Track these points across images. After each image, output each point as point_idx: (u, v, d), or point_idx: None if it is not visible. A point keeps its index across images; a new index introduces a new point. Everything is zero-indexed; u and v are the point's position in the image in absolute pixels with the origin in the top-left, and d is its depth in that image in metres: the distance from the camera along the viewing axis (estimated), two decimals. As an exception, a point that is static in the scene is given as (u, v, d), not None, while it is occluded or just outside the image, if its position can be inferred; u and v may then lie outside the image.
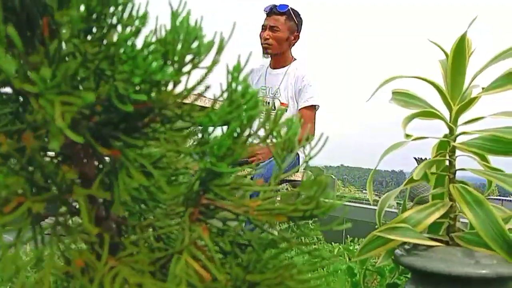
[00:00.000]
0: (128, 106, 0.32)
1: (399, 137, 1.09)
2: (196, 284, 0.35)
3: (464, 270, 0.87)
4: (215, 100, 0.38)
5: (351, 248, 1.64)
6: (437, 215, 0.97)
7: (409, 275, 1.11)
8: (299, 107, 3.12)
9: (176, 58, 0.37)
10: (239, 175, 0.40)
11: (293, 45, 3.18)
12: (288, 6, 3.06)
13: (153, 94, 0.37)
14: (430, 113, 0.98)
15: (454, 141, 1.00)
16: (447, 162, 1.02)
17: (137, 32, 0.33)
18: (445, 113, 1.04)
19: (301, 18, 3.14)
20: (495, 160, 1.08)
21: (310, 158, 0.50)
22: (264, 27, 3.10)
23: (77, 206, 0.41)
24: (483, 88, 1.00)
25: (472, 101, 0.99)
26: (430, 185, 1.02)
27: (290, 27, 3.07)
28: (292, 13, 3.06)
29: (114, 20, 0.32)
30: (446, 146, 1.03)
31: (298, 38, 3.14)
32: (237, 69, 0.38)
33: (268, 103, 3.26)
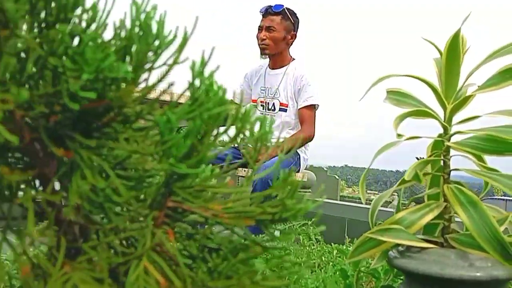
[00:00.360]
0: (75, 104, 0.30)
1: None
2: (155, 291, 0.33)
3: (458, 273, 0.85)
4: (178, 98, 0.36)
5: (344, 249, 1.62)
6: (431, 216, 0.95)
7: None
8: (299, 107, 3.10)
9: (135, 55, 0.35)
10: (208, 176, 0.38)
11: (291, 44, 3.17)
12: (283, 5, 3.06)
13: (111, 93, 0.35)
14: (423, 112, 0.95)
15: (449, 140, 0.98)
16: (441, 162, 1.00)
17: (87, 27, 0.31)
18: (440, 112, 1.02)
19: (297, 18, 3.13)
20: (494, 161, 1.06)
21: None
22: (260, 28, 3.10)
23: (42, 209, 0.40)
24: (478, 87, 0.98)
25: (466, 99, 0.96)
26: (424, 185, 1.00)
27: (286, 26, 3.06)
28: (287, 12, 3.06)
29: (62, 15, 0.31)
30: (440, 146, 1.00)
31: (295, 37, 3.13)
32: (201, 64, 0.36)
33: (267, 103, 3.24)
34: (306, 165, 3.56)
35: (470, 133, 0.94)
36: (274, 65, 3.22)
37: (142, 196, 0.43)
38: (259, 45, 3.10)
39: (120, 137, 0.36)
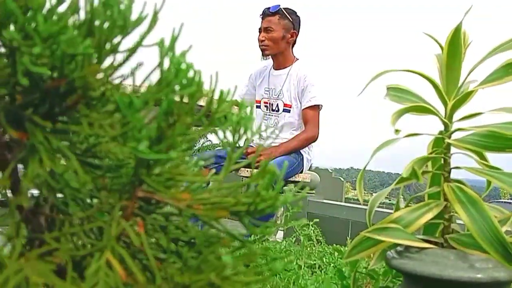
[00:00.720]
0: (24, 79, 0.28)
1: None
2: (117, 285, 0.31)
3: (457, 274, 0.82)
4: (143, 81, 0.34)
5: (344, 250, 1.58)
6: (430, 215, 0.92)
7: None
8: (302, 107, 3.08)
9: (98, 31, 0.33)
10: (178, 163, 0.36)
11: (293, 44, 3.15)
12: (279, 5, 3.05)
13: (74, 73, 0.33)
14: (422, 108, 0.92)
15: (449, 138, 0.95)
16: (442, 160, 0.96)
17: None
18: (441, 109, 0.99)
19: (297, 16, 3.12)
20: (497, 161, 1.03)
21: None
22: (259, 30, 3.11)
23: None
24: (481, 82, 0.95)
25: (468, 95, 0.93)
26: (422, 183, 0.97)
27: (285, 25, 3.06)
28: (284, 11, 3.05)
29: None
30: (441, 143, 0.97)
31: (296, 35, 3.11)
32: (172, 43, 0.34)
33: (271, 104, 3.22)
34: (310, 166, 3.53)
35: (471, 130, 0.91)
36: (277, 66, 3.21)
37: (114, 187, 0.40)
38: (259, 47, 3.10)
39: (83, 120, 0.33)
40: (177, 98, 0.35)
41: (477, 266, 0.83)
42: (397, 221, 0.91)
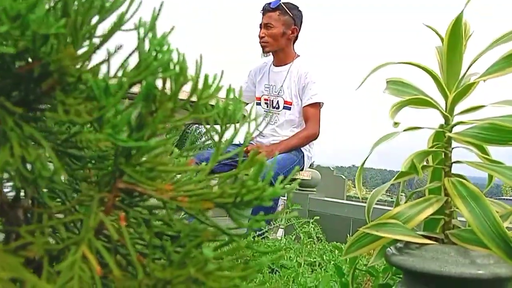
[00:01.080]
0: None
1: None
2: (93, 281, 0.29)
3: (458, 270, 0.80)
4: (124, 62, 0.32)
5: (342, 247, 1.56)
6: (430, 210, 0.90)
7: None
8: (303, 105, 3.05)
9: (73, 13, 0.31)
10: (160, 152, 0.34)
11: (294, 40, 3.12)
12: (279, 1, 3.02)
13: (49, 56, 0.31)
14: (422, 101, 0.90)
15: (450, 131, 0.93)
16: (443, 155, 0.94)
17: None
18: (442, 102, 0.97)
19: (298, 11, 3.08)
20: (497, 153, 1.00)
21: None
22: (260, 26, 3.08)
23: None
24: (482, 73, 0.93)
25: (469, 88, 0.91)
26: (424, 180, 0.95)
27: (285, 21, 3.02)
28: (285, 7, 3.01)
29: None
30: (441, 137, 0.95)
31: (297, 31, 3.08)
32: (152, 23, 0.32)
33: (272, 101, 3.20)
34: (312, 164, 3.51)
35: (472, 123, 0.89)
36: (278, 62, 3.18)
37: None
38: (259, 43, 3.07)
39: (59, 107, 0.32)
40: (159, 84, 0.34)
41: (478, 262, 0.81)
42: (397, 216, 0.89)
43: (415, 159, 0.80)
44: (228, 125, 0.38)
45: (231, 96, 0.37)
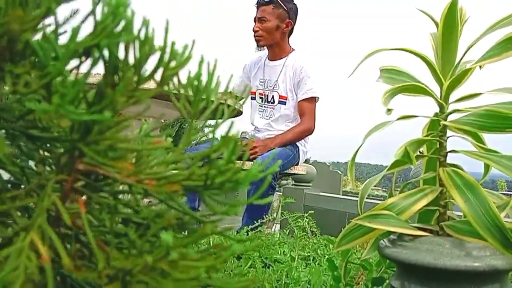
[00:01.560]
0: None
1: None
2: (40, 271, 0.26)
3: (453, 263, 0.77)
4: (74, 32, 0.28)
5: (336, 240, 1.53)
6: (425, 201, 0.87)
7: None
8: (298, 100, 3.02)
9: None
10: (118, 129, 0.31)
11: (289, 33, 3.09)
12: None
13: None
14: (416, 88, 0.87)
15: (445, 119, 0.90)
16: (437, 144, 0.91)
17: None
18: (437, 90, 0.94)
19: (293, 5, 3.05)
20: (493, 143, 0.98)
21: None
22: (255, 20, 3.06)
23: None
24: (478, 59, 0.89)
25: (464, 74, 0.88)
26: (417, 173, 0.92)
27: (279, 15, 3.00)
28: (279, 1, 2.99)
29: None
30: (436, 126, 0.92)
31: (291, 25, 3.05)
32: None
33: (267, 95, 3.17)
34: (308, 159, 3.48)
35: (468, 111, 0.86)
36: (273, 57, 3.15)
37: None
38: (254, 37, 3.04)
39: (7, 78, 0.28)
40: (121, 54, 0.30)
41: (474, 254, 0.78)
42: (390, 207, 0.86)
43: (409, 148, 0.77)
44: (202, 100, 0.35)
45: (204, 69, 0.33)
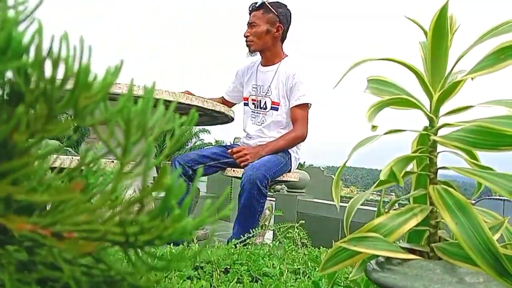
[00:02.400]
0: None
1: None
2: None
3: (444, 290, 0.71)
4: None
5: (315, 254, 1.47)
6: (414, 221, 0.81)
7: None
8: (291, 106, 2.98)
9: None
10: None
11: (282, 38, 3.05)
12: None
13: None
14: (404, 101, 0.82)
15: (435, 134, 0.84)
16: (427, 160, 0.86)
17: None
18: (426, 103, 0.89)
19: (285, 10, 3.02)
20: (487, 158, 0.92)
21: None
22: (247, 26, 3.05)
23: None
24: (469, 70, 0.84)
25: (455, 86, 0.83)
26: (400, 186, 0.86)
27: (269, 19, 2.97)
28: (268, 5, 2.96)
29: None
30: (426, 141, 0.87)
31: (282, 29, 3.01)
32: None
33: (259, 101, 3.12)
34: (303, 163, 3.43)
35: (459, 126, 0.81)
36: (265, 62, 3.11)
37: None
38: (245, 42, 3.02)
39: None
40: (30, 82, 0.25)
41: (467, 281, 0.73)
42: (378, 229, 0.81)
43: (395, 167, 0.72)
44: (136, 135, 0.29)
45: (138, 89, 0.28)
